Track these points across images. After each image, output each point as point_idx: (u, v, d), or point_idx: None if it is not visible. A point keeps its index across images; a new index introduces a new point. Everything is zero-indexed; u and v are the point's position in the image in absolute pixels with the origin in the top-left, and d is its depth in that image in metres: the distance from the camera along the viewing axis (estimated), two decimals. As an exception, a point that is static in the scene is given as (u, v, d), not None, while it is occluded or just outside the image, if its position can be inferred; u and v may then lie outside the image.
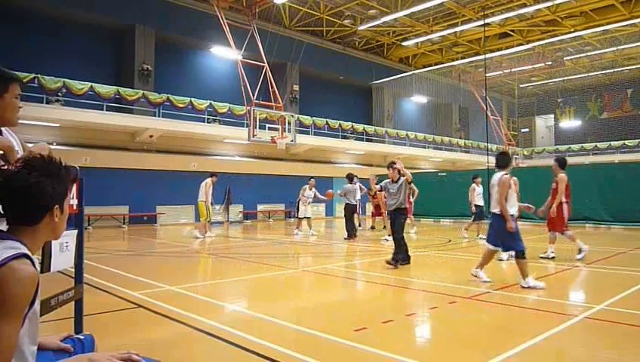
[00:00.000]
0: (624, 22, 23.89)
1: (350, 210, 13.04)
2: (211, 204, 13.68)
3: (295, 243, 12.36)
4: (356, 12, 24.60)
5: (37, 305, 1.47)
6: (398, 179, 7.94)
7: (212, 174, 13.70)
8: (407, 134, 29.11)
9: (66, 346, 1.75)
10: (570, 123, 40.88)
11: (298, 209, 14.29)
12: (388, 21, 24.41)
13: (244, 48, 18.98)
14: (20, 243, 1.46)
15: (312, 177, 14.70)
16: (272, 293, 6.08)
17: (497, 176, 6.12)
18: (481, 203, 12.07)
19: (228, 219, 21.16)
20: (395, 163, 8.04)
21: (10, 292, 1.34)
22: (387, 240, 11.71)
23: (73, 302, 2.80)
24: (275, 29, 21.84)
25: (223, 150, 21.84)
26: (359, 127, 26.25)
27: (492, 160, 7.36)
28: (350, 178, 13.34)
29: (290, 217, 23.62)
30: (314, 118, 23.65)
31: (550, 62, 30.01)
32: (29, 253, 1.46)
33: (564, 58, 30.63)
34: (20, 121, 2.09)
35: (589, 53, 30.21)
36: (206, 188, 13.24)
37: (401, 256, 7.65)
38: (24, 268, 1.39)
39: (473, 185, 12.29)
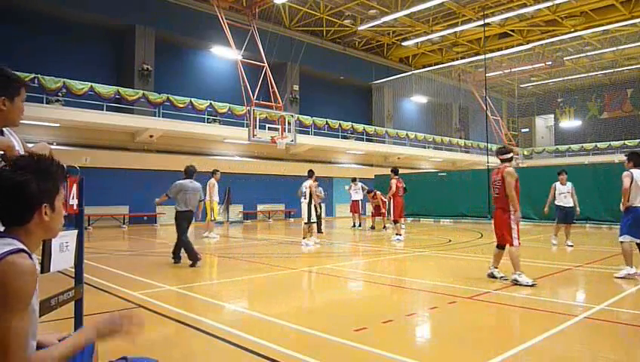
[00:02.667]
0: (624, 22, 23.89)
1: (183, 218, 8.55)
2: (217, 202, 13.70)
3: (295, 243, 12.33)
4: (356, 12, 24.59)
5: (35, 299, 1.47)
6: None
7: (214, 172, 13.54)
8: (407, 134, 29.13)
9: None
10: (570, 123, 40.87)
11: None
12: (388, 21, 24.42)
13: (244, 48, 19.00)
14: (17, 241, 1.46)
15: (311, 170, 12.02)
16: (272, 293, 6.08)
17: None
18: (570, 203, 10.34)
19: (228, 219, 21.16)
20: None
21: (12, 286, 1.34)
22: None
23: (73, 302, 2.80)
24: (275, 29, 21.84)
25: (223, 150, 21.84)
26: (359, 127, 26.26)
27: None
28: (189, 171, 9.26)
29: (289, 217, 23.61)
30: (314, 118, 23.66)
31: (550, 62, 30.00)
32: (26, 249, 1.46)
33: (564, 58, 30.63)
34: (20, 121, 2.16)
35: (589, 53, 30.22)
36: (209, 188, 13.26)
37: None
38: (22, 262, 1.39)
39: (557, 183, 10.57)
